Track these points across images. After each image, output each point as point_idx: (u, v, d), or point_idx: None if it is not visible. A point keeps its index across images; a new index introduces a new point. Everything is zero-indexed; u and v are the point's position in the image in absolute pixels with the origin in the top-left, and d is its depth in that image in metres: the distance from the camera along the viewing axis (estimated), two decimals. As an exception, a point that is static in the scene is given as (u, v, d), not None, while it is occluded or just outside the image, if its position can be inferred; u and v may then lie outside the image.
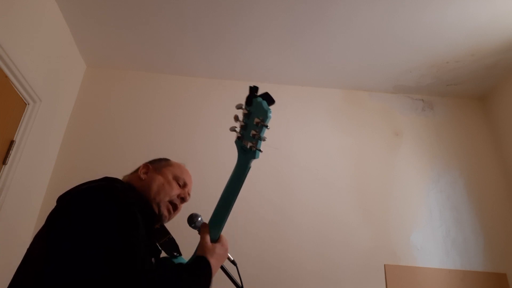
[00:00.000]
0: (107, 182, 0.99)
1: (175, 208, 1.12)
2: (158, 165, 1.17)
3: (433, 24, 2.06)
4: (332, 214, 2.26)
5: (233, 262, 1.12)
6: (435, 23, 2.06)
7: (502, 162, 2.45)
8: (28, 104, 1.96)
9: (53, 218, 0.85)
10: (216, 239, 1.01)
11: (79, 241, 0.75)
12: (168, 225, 1.18)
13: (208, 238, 0.99)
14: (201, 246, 0.98)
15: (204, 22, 2.14)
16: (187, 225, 1.15)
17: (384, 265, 2.14)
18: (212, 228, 1.01)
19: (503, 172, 2.43)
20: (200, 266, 0.93)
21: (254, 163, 0.90)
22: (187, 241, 1.20)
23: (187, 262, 1.01)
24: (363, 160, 2.45)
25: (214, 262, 0.95)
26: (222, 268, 1.13)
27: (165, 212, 1.09)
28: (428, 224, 2.27)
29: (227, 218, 1.00)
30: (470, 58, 2.32)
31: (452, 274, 2.14)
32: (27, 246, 0.89)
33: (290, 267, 2.09)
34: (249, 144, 0.87)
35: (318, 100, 2.64)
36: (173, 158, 1.25)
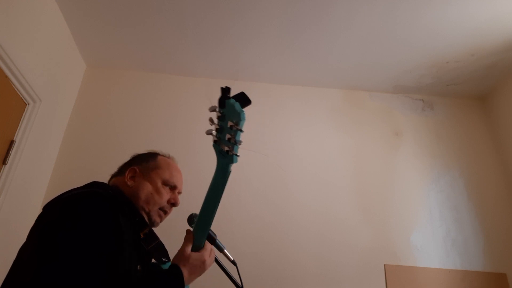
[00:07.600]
0: (93, 189, 0.97)
1: (165, 213, 1.13)
2: (146, 167, 1.13)
3: (433, 24, 2.06)
4: (332, 214, 2.26)
5: (233, 262, 1.12)
6: (435, 23, 2.06)
7: (502, 162, 2.45)
8: (28, 104, 1.96)
9: (39, 226, 0.85)
10: (201, 246, 0.98)
11: (62, 250, 0.75)
12: (162, 228, 1.18)
13: (188, 246, 0.96)
14: (179, 253, 0.96)
15: (204, 22, 2.14)
16: (179, 229, 1.14)
17: (384, 265, 2.14)
18: (197, 234, 0.98)
19: (503, 172, 2.43)
20: (172, 275, 0.91)
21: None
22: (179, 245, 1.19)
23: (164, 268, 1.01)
24: (363, 160, 2.45)
25: (186, 273, 0.92)
26: (222, 268, 1.13)
27: (157, 220, 1.11)
28: (428, 224, 2.27)
29: (211, 224, 0.97)
30: (470, 58, 2.32)
31: (452, 274, 2.14)
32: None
33: (290, 267, 2.09)
34: (225, 148, 0.82)
35: (318, 100, 2.64)
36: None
